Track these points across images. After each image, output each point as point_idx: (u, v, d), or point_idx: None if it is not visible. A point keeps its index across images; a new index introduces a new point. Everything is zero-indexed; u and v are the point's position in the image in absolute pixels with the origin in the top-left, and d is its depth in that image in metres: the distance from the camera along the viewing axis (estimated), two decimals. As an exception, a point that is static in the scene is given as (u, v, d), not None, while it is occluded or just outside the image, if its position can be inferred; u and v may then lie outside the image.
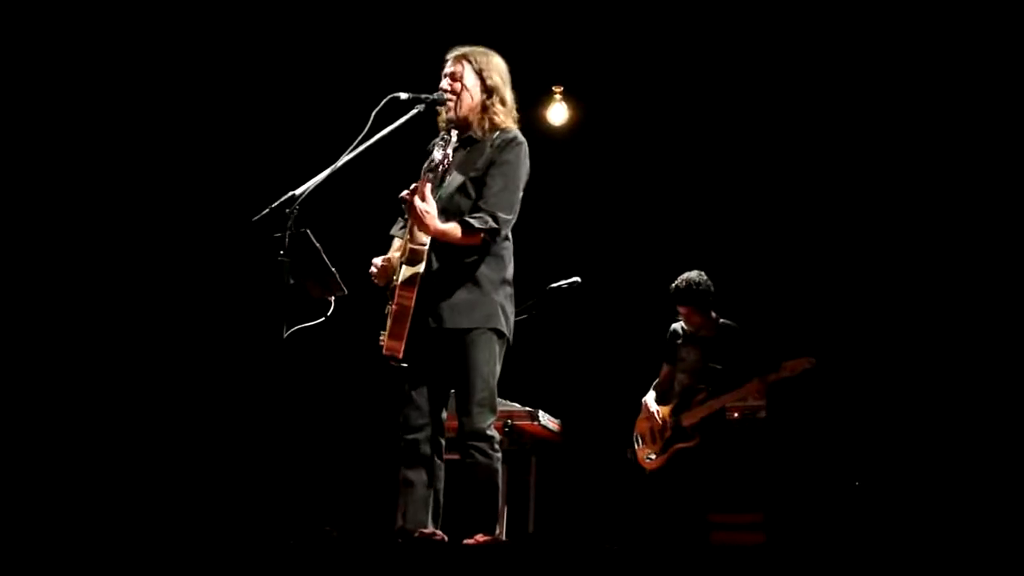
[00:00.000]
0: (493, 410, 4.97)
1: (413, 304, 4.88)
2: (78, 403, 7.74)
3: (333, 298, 4.85)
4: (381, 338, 4.95)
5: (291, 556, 3.71)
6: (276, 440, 4.75)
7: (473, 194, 4.97)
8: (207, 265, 7.91)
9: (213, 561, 3.71)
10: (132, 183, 8.04)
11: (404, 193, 4.83)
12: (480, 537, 4.81)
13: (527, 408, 6.51)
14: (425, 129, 5.10)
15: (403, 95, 4.89)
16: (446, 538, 4.88)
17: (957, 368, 7.58)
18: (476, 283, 4.96)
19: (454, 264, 4.96)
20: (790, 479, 7.46)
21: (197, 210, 8.01)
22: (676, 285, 7.18)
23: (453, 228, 4.89)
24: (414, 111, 4.93)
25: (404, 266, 4.92)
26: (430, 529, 4.93)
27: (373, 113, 4.74)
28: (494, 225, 4.90)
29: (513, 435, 6.45)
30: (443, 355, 4.98)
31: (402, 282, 4.91)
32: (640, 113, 8.61)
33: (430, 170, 4.92)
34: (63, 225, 7.86)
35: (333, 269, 4.77)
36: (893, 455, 7.61)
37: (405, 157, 5.15)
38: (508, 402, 6.29)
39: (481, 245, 4.94)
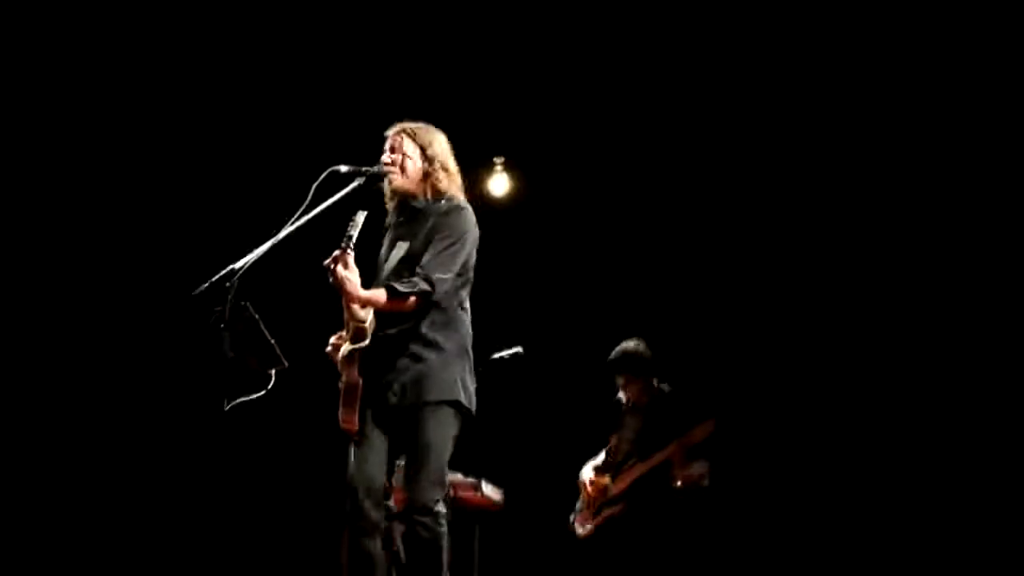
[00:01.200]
0: (442, 485, 4.94)
1: (358, 381, 4.89)
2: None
3: (273, 371, 4.84)
4: (339, 413, 4.97)
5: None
6: (221, 517, 4.73)
7: (416, 263, 4.98)
8: (147, 338, 7.86)
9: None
10: (70, 251, 7.99)
11: (327, 261, 4.81)
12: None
13: (470, 479, 6.50)
14: (365, 202, 5.11)
15: (343, 168, 4.90)
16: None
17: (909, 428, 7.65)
18: (430, 354, 4.94)
19: (402, 335, 4.94)
20: (732, 550, 7.46)
21: (136, 283, 7.96)
22: (612, 355, 7.23)
23: (379, 295, 4.86)
24: (354, 184, 4.93)
25: (349, 342, 4.93)
26: None
27: (313, 186, 4.76)
28: (425, 287, 4.86)
29: (456, 506, 6.43)
30: (397, 428, 4.96)
31: (344, 358, 4.92)
32: (581, 180, 8.66)
33: (346, 241, 4.83)
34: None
35: (273, 342, 4.76)
36: (843, 523, 7.65)
37: (343, 231, 5.14)
38: (451, 471, 6.28)
39: (418, 311, 4.90)
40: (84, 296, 7.98)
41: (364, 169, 4.98)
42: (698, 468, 7.16)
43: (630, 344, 7.24)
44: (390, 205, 5.19)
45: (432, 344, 4.95)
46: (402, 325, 4.94)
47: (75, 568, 7.58)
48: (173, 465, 7.61)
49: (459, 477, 6.49)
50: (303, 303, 5.76)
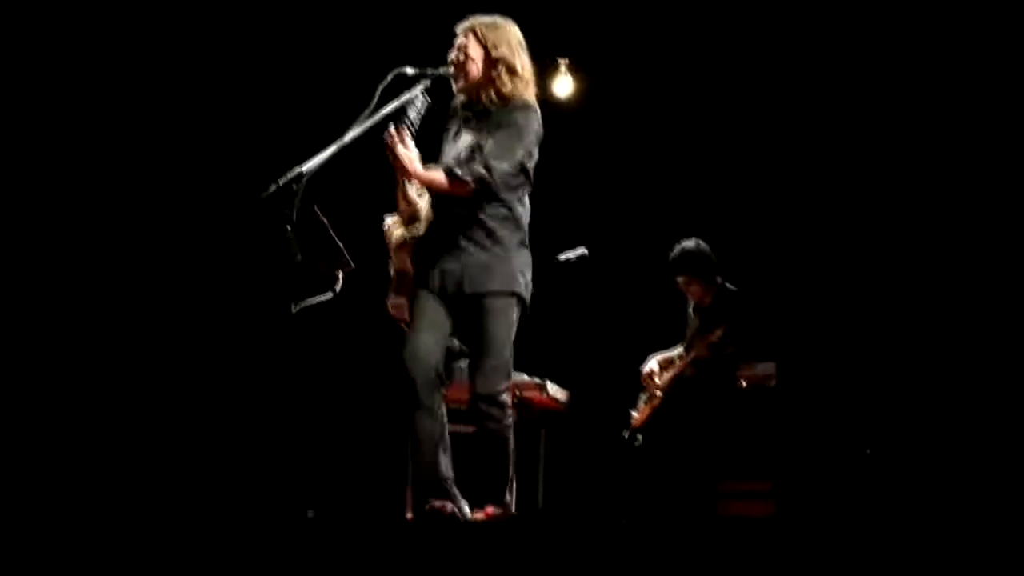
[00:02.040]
0: (508, 375, 4.96)
1: (409, 268, 4.89)
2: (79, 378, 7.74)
3: (341, 273, 4.86)
4: (388, 299, 4.98)
5: (302, 533, 3.73)
6: (287, 420, 4.76)
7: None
8: (216, 243, 7.90)
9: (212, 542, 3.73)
10: (137, 163, 8.01)
11: (386, 137, 4.79)
12: (490, 509, 4.83)
13: (536, 379, 6.52)
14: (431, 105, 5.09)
15: (409, 70, 4.88)
16: (456, 509, 4.88)
17: (970, 334, 7.57)
18: (492, 245, 4.93)
19: (461, 223, 4.93)
20: (795, 448, 7.46)
21: (204, 188, 7.99)
22: (671, 255, 7.21)
23: (438, 175, 4.86)
24: (421, 86, 4.91)
25: (403, 227, 4.93)
26: (446, 476, 4.93)
27: (379, 88, 4.74)
28: (483, 173, 4.85)
29: (521, 406, 6.46)
30: (455, 317, 4.97)
31: (397, 244, 4.92)
32: (647, 83, 8.57)
33: (405, 117, 4.83)
34: (64, 204, 7.83)
35: (340, 244, 4.78)
36: (904, 424, 7.60)
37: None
38: (516, 373, 6.30)
39: (475, 198, 4.89)
40: (154, 198, 8.00)
41: (430, 71, 4.95)
42: (764, 368, 7.16)
43: (688, 244, 7.20)
44: (457, 101, 5.15)
45: (492, 235, 4.94)
46: (460, 212, 4.92)
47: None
48: (243, 364, 7.67)
49: (524, 378, 6.50)
50: (370, 206, 5.74)
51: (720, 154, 8.51)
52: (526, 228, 5.07)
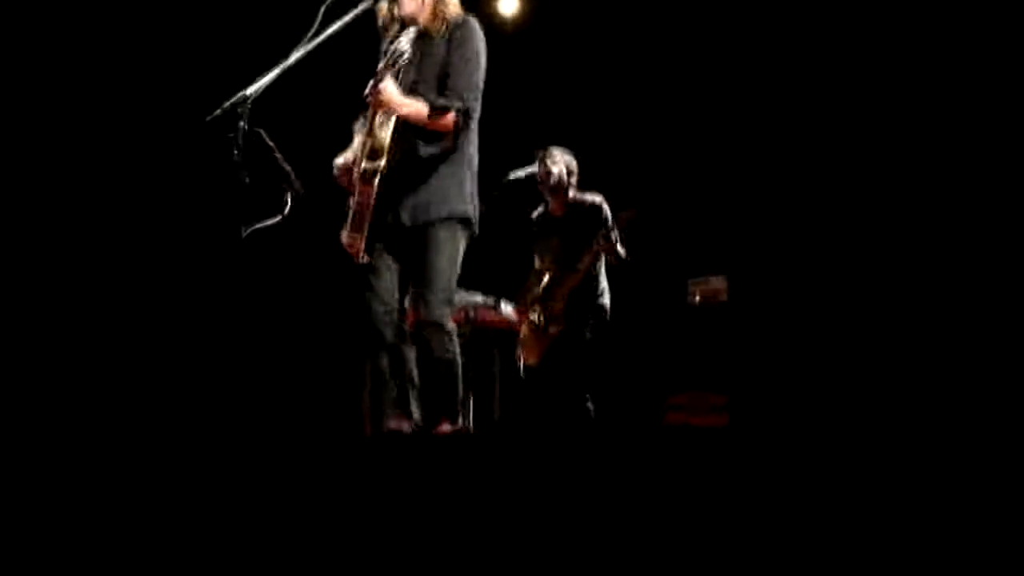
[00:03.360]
0: (450, 303, 4.98)
1: (372, 201, 4.89)
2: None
3: (289, 196, 4.84)
4: (342, 234, 4.97)
5: (262, 450, 3.74)
6: (236, 343, 4.76)
7: (434, 86, 4.94)
8: (163, 167, 7.84)
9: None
10: (82, 89, 7.91)
11: (369, 87, 4.80)
12: (446, 427, 4.87)
13: (489, 299, 6.54)
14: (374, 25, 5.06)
15: (352, -11, 4.85)
16: (412, 428, 4.92)
17: (918, 243, 7.59)
18: (440, 174, 4.95)
19: (417, 157, 4.94)
20: (748, 362, 7.50)
21: (147, 112, 7.91)
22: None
23: (421, 107, 4.88)
24: (364, 5, 4.87)
25: (364, 161, 4.91)
26: (410, 416, 4.98)
27: (322, 9, 4.71)
28: (462, 106, 4.90)
29: (476, 327, 6.48)
30: (405, 249, 4.99)
31: (362, 178, 4.90)
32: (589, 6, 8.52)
33: (393, 57, 4.85)
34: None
35: (288, 168, 4.76)
36: (861, 341, 7.65)
37: (355, 53, 5.11)
38: (470, 292, 6.31)
39: (452, 131, 4.92)
40: (100, 125, 7.91)
41: (372, -10, 4.91)
42: (716, 283, 7.19)
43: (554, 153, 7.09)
44: (392, 29, 5.11)
45: (441, 163, 4.97)
46: (419, 146, 4.94)
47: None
48: (190, 292, 7.64)
49: (478, 298, 6.52)
50: (315, 128, 5.71)
51: (669, 71, 8.47)
52: (474, 154, 5.09)
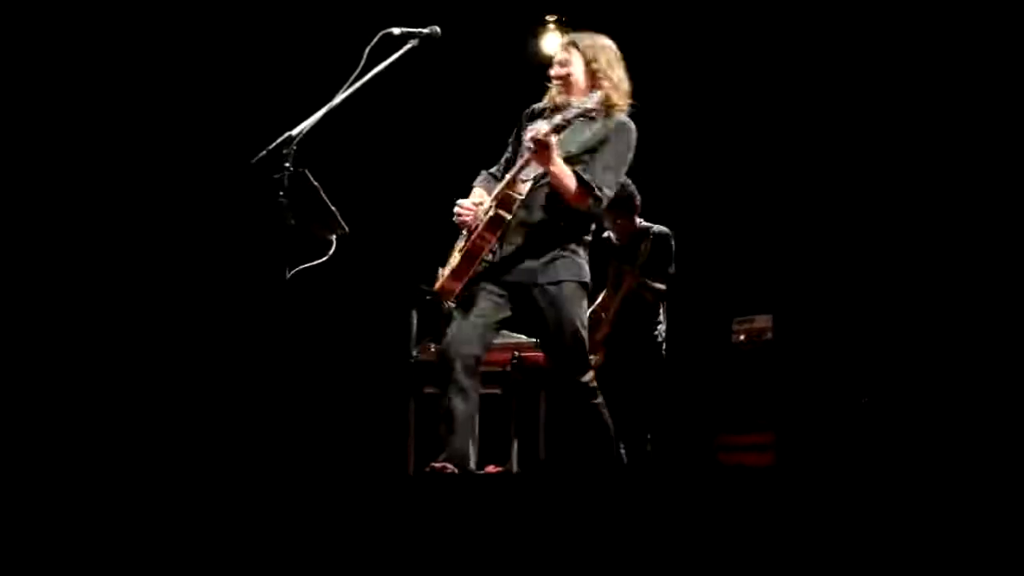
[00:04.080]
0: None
1: (489, 248, 4.93)
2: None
3: (334, 237, 4.85)
4: (441, 272, 5.01)
5: (308, 493, 3.74)
6: (282, 382, 4.76)
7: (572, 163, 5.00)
8: (209, 210, 7.88)
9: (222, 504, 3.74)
10: (129, 133, 7.98)
11: (546, 129, 4.82)
12: (491, 468, 4.90)
13: (534, 340, 6.52)
14: (419, 65, 5.08)
15: (396, 30, 4.86)
16: (455, 470, 4.91)
17: (963, 284, 7.55)
18: (564, 245, 5.04)
19: (543, 224, 5.02)
20: (794, 400, 7.45)
21: (193, 153, 7.96)
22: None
23: (570, 175, 4.92)
24: (407, 46, 4.90)
25: (496, 208, 4.94)
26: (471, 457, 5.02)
27: (367, 50, 4.73)
28: (600, 194, 4.97)
29: (522, 368, 6.47)
30: (524, 307, 5.06)
31: (490, 223, 4.93)
32: (627, 37, 8.50)
33: (564, 119, 4.85)
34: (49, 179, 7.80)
35: (333, 208, 4.78)
36: (901, 373, 7.60)
37: (398, 94, 5.13)
38: (515, 335, 6.30)
39: (577, 209, 4.99)
40: (145, 164, 7.97)
41: (417, 31, 4.93)
42: (761, 322, 7.16)
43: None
44: (550, 103, 5.19)
45: (567, 236, 5.06)
46: (555, 213, 5.01)
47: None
48: (239, 334, 7.67)
49: (523, 339, 6.51)
50: (360, 168, 5.74)
51: (711, 106, 8.44)
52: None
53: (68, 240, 7.73)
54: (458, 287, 4.99)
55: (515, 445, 6.48)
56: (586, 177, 4.94)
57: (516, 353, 6.44)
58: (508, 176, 5.03)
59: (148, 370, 7.76)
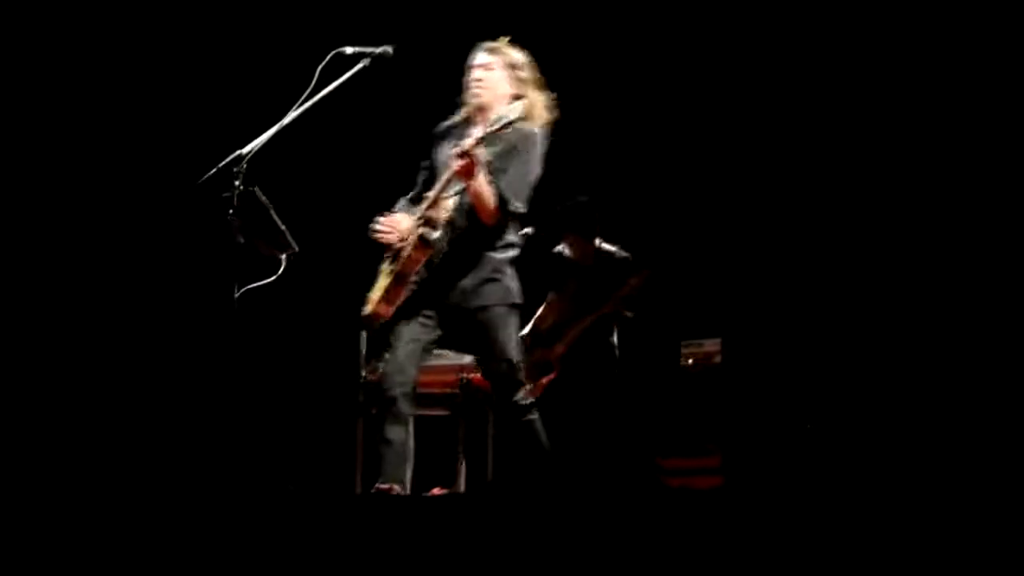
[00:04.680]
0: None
1: (416, 269, 4.92)
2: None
3: (284, 256, 4.84)
4: (370, 296, 4.99)
5: (257, 511, 3.72)
6: (230, 402, 4.74)
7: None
8: (157, 228, 7.83)
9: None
10: (75, 150, 7.92)
11: (457, 148, 4.82)
12: (437, 490, 4.89)
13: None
14: (371, 85, 5.08)
15: (348, 50, 4.88)
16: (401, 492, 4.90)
17: (911, 312, 7.59)
18: (491, 265, 5.03)
19: (468, 241, 5.01)
20: (742, 424, 7.47)
21: (143, 173, 7.91)
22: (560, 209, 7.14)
23: (491, 192, 4.91)
24: (359, 65, 4.91)
25: (424, 227, 4.92)
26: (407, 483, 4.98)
27: (318, 69, 4.73)
28: (512, 208, 4.98)
29: (469, 389, 6.46)
30: (454, 328, 5.05)
31: (415, 244, 4.91)
32: (591, 65, 8.53)
33: (490, 129, 4.85)
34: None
35: (283, 227, 4.76)
36: (847, 398, 7.63)
37: (350, 113, 5.13)
38: (461, 356, 6.29)
39: (493, 224, 4.99)
40: (91, 184, 7.91)
41: (369, 51, 4.94)
42: (709, 346, 7.18)
43: (581, 199, 7.14)
44: (463, 111, 5.19)
45: (489, 255, 5.04)
46: (472, 230, 4.99)
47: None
48: (186, 352, 7.63)
49: (470, 360, 6.49)
50: (311, 187, 5.72)
51: (670, 130, 8.43)
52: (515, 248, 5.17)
53: (11, 258, 7.68)
54: (390, 311, 4.97)
55: (463, 466, 6.46)
56: (509, 197, 4.95)
57: (464, 375, 6.43)
58: (431, 194, 5.02)
59: (97, 390, 7.70)
